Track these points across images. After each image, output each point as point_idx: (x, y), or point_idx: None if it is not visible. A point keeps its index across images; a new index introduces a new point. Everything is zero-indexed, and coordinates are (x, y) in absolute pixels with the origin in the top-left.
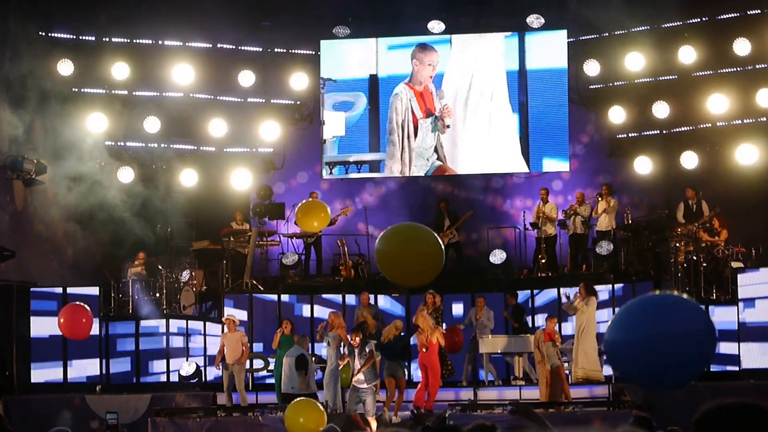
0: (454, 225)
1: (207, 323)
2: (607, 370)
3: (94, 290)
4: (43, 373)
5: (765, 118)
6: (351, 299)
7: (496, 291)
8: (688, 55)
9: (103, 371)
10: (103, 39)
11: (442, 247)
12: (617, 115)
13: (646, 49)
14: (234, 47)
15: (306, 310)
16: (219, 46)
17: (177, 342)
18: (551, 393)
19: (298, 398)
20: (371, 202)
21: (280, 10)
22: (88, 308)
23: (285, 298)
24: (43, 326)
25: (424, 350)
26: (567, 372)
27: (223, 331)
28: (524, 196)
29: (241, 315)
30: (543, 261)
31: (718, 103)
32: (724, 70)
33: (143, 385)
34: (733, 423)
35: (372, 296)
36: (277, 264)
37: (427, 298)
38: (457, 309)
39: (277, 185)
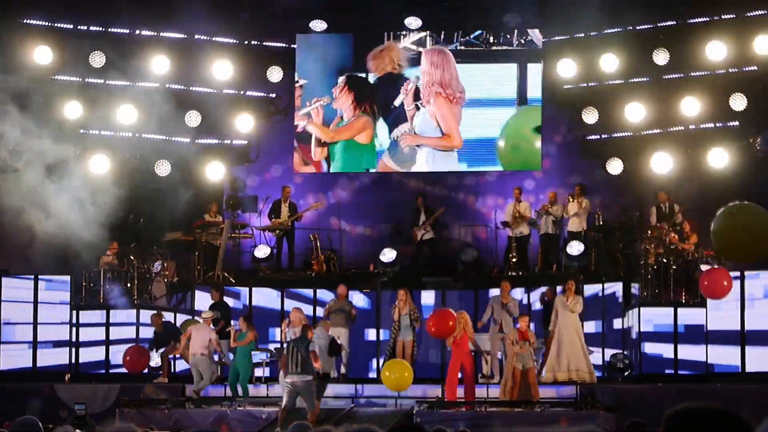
0: (428, 220)
1: (177, 315)
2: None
3: (65, 279)
4: (12, 361)
5: (737, 123)
6: (322, 294)
7: (468, 289)
8: (661, 57)
9: (73, 360)
10: (79, 27)
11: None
12: (590, 116)
13: (621, 51)
14: (210, 39)
15: (277, 303)
16: (195, 37)
17: (147, 333)
18: (520, 394)
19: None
20: (344, 197)
21: (257, 2)
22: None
23: (256, 291)
24: (13, 313)
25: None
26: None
27: (194, 318)
28: (496, 194)
29: None
30: (514, 260)
31: (690, 107)
32: (697, 74)
33: (112, 375)
34: (701, 426)
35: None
36: (249, 257)
37: (400, 295)
38: (427, 306)
39: (251, 178)
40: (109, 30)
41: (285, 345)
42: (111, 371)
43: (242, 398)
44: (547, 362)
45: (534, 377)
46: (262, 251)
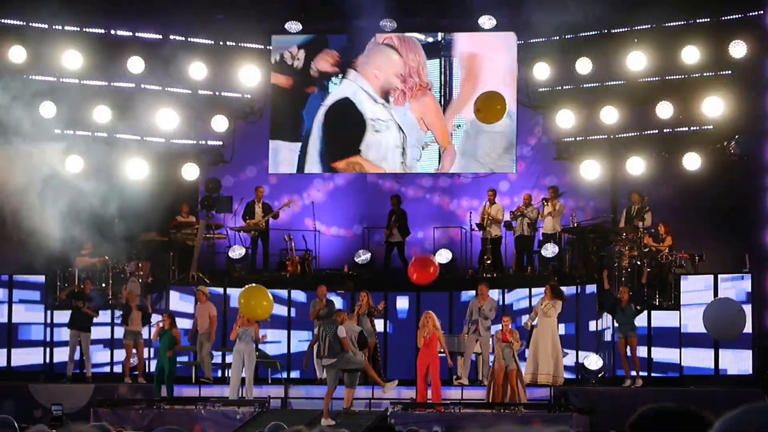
0: (392, 225)
1: (152, 315)
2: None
3: (40, 278)
4: None
5: (711, 127)
6: (296, 294)
7: (442, 290)
8: (637, 60)
9: (47, 360)
10: (54, 27)
11: None
12: (565, 118)
13: (596, 54)
14: (185, 39)
15: None
16: (170, 37)
17: (121, 333)
18: (503, 394)
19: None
20: (319, 197)
21: (233, 2)
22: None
23: (231, 291)
24: None
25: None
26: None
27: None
28: (471, 196)
29: (187, 307)
30: (488, 262)
31: (664, 110)
32: (672, 77)
33: (87, 375)
34: (667, 427)
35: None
36: (224, 257)
37: (362, 297)
38: (402, 307)
39: (226, 179)
40: (84, 30)
41: (316, 327)
42: (85, 371)
43: (167, 398)
44: (526, 365)
45: (514, 378)
46: (236, 252)
